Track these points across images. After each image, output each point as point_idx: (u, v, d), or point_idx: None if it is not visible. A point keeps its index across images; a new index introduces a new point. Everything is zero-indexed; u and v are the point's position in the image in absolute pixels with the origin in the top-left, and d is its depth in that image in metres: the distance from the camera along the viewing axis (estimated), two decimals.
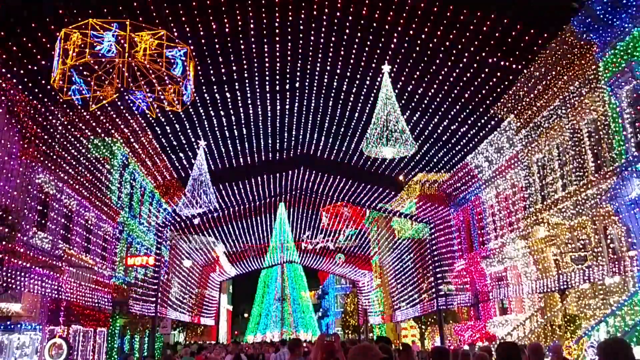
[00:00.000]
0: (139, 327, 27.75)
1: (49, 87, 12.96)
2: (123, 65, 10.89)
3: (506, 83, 17.64)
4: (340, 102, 17.45)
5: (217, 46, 14.09)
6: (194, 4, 12.67)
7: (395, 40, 14.06)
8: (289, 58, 15.03)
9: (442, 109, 16.99)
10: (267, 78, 16.10)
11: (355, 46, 14.56)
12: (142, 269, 27.15)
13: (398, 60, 14.74)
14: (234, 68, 15.19)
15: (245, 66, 15.19)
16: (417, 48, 14.34)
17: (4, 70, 13.43)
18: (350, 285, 54.61)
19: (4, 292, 15.04)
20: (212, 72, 15.19)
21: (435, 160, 20.70)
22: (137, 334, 28.70)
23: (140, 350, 29.22)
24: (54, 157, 18.36)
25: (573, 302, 17.99)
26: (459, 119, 17.50)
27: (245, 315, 75.20)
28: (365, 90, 16.53)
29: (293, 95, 17.41)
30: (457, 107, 16.79)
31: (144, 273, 27.21)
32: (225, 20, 13.32)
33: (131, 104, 11.25)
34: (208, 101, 16.87)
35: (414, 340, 32.42)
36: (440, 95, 16.30)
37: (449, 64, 14.86)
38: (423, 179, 29.29)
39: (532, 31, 13.14)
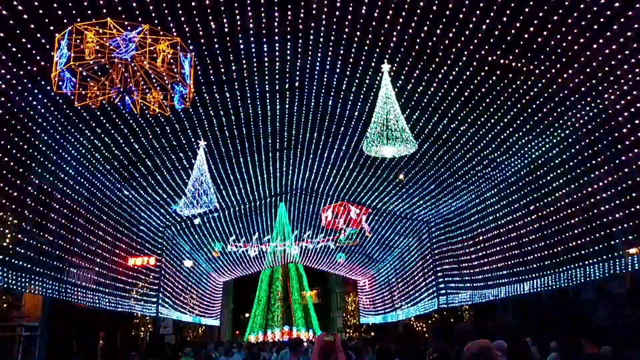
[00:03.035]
0: (140, 328, 27.80)
1: (48, 88, 12.97)
2: (126, 68, 10.91)
3: (505, 81, 17.59)
4: (340, 101, 17.45)
5: (215, 45, 14.09)
6: (193, 4, 12.67)
7: (394, 38, 14.03)
8: (288, 57, 15.03)
9: (442, 107, 16.99)
10: (267, 77, 16.11)
11: (355, 45, 14.55)
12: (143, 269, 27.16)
13: (397, 59, 14.70)
14: (233, 67, 15.20)
15: (244, 65, 15.18)
16: (417, 47, 14.32)
17: (3, 71, 13.42)
18: (351, 285, 54.50)
19: (5, 293, 15.06)
20: (211, 72, 15.18)
21: (435, 159, 20.70)
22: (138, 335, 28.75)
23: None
24: (54, 156, 18.34)
25: None
26: (459, 117, 17.49)
27: (247, 315, 75.19)
28: (364, 89, 16.52)
29: (292, 94, 17.42)
30: (457, 105, 16.78)
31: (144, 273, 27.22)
32: (224, 20, 13.32)
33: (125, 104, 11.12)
34: (208, 101, 16.88)
35: None
36: (439, 94, 16.30)
37: (448, 62, 14.85)
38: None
39: (532, 29, 13.12)
